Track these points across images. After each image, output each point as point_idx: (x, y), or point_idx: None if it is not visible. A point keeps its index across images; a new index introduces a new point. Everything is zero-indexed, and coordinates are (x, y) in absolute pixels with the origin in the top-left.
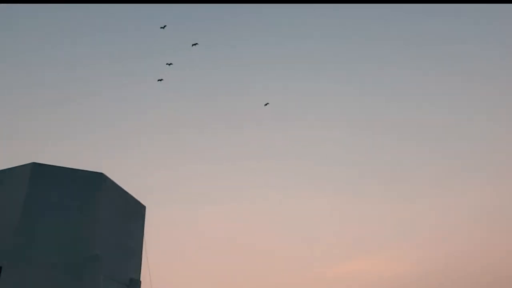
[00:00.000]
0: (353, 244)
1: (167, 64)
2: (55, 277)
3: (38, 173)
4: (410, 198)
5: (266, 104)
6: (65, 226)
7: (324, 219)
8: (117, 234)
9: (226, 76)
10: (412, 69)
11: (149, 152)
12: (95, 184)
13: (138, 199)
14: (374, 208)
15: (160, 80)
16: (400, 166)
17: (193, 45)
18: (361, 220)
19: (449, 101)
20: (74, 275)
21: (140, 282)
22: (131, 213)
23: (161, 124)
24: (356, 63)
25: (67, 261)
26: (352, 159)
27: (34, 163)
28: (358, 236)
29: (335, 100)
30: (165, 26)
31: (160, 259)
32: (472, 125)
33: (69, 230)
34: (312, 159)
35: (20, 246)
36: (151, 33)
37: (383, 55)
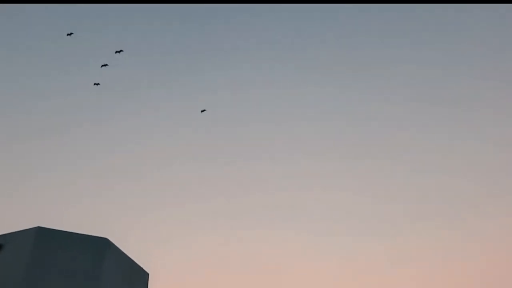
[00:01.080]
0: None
1: (116, 52)
2: None
3: (42, 237)
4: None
5: (202, 111)
6: None
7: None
8: None
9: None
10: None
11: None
12: (99, 249)
13: (141, 264)
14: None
15: (97, 84)
16: None
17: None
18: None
19: None
20: None
21: None
22: (135, 279)
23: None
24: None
25: None
26: None
27: (39, 227)
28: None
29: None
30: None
31: None
32: None
33: None
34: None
35: None
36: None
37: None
